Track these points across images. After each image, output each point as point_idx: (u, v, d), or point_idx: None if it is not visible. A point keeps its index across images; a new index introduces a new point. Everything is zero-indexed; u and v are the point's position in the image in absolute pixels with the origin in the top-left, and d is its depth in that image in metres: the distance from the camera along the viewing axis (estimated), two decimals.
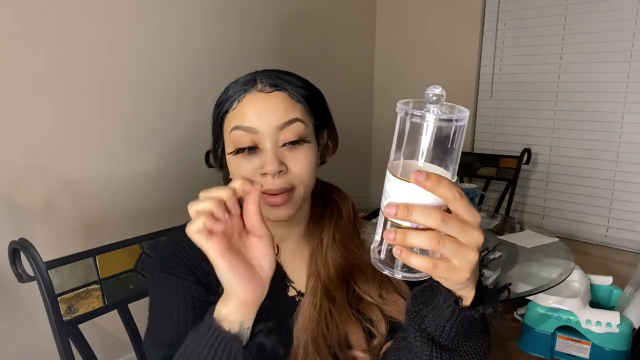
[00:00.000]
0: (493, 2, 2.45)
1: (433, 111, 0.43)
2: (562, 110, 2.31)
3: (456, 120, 0.43)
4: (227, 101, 0.67)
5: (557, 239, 1.70)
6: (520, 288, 1.36)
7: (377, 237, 0.47)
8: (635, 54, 2.07)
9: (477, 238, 0.43)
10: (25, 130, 1.51)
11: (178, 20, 1.87)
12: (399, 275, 0.46)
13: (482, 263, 1.47)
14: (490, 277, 1.35)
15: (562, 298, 1.89)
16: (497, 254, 1.54)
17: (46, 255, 0.86)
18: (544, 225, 2.34)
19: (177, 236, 0.71)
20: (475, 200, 1.88)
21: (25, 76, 1.49)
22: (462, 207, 0.42)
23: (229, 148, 0.67)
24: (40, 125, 1.54)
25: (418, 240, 0.42)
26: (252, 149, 0.64)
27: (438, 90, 0.44)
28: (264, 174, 0.63)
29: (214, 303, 0.53)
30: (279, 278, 0.71)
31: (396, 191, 0.43)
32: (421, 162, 0.44)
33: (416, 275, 0.46)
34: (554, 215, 2.40)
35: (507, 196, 2.29)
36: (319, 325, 0.67)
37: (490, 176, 2.35)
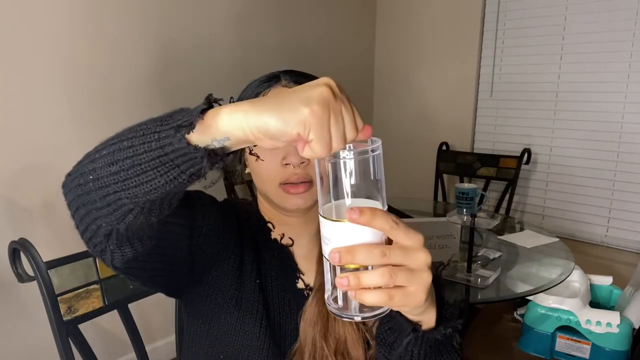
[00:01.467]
0: (493, 2, 2.45)
1: (348, 147, 0.43)
2: (562, 110, 2.31)
3: (372, 151, 0.44)
4: (250, 96, 0.68)
5: (557, 239, 1.70)
6: (520, 288, 1.36)
7: (329, 286, 0.46)
8: (635, 54, 2.07)
9: (424, 259, 0.43)
10: (25, 130, 1.51)
11: (179, 21, 1.87)
12: (358, 317, 0.46)
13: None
14: (490, 277, 1.35)
15: (562, 298, 1.89)
16: (497, 254, 1.54)
17: (46, 255, 0.86)
18: (544, 225, 2.34)
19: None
20: (475, 200, 1.88)
21: (26, 76, 1.49)
22: (401, 234, 0.42)
23: None
24: (40, 125, 1.54)
25: (371, 279, 0.41)
26: None
27: None
28: (286, 165, 0.65)
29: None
30: (290, 268, 0.73)
31: (335, 234, 0.43)
32: (349, 200, 0.44)
33: (376, 312, 0.45)
34: (554, 215, 2.40)
35: (507, 196, 2.29)
36: (325, 324, 0.67)
37: (490, 176, 2.35)
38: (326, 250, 0.44)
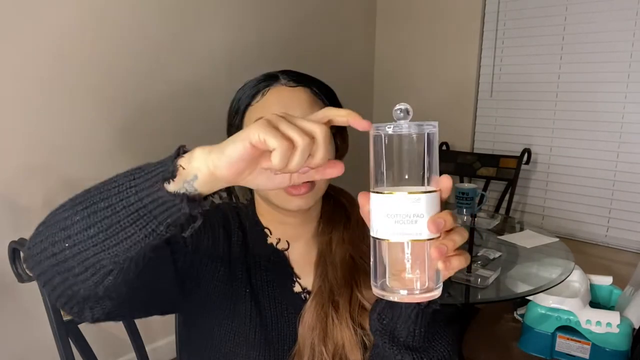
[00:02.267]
0: (493, 2, 2.45)
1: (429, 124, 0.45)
2: (562, 110, 2.31)
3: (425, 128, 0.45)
4: (248, 95, 0.68)
5: (557, 239, 1.70)
6: (520, 288, 1.36)
7: (380, 269, 0.47)
8: (635, 54, 2.07)
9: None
10: (25, 130, 1.51)
11: (179, 23, 1.87)
12: (434, 293, 0.46)
13: (481, 263, 1.47)
14: (490, 277, 1.35)
15: (562, 298, 1.89)
16: (497, 254, 1.54)
17: None
18: (544, 225, 2.34)
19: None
20: (475, 200, 1.88)
21: (26, 76, 1.49)
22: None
23: None
24: (40, 125, 1.54)
25: (460, 239, 0.45)
26: None
27: (404, 105, 0.45)
28: None
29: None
30: (286, 272, 0.72)
31: (429, 205, 0.44)
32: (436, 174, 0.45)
33: (435, 292, 0.46)
34: (554, 215, 2.40)
35: (507, 196, 2.29)
36: (323, 328, 0.67)
37: (490, 176, 2.35)
38: (409, 229, 0.44)
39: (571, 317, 1.87)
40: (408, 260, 0.45)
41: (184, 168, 0.43)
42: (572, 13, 2.22)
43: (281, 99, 0.65)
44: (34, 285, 0.86)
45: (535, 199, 2.45)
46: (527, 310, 2.00)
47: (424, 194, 0.44)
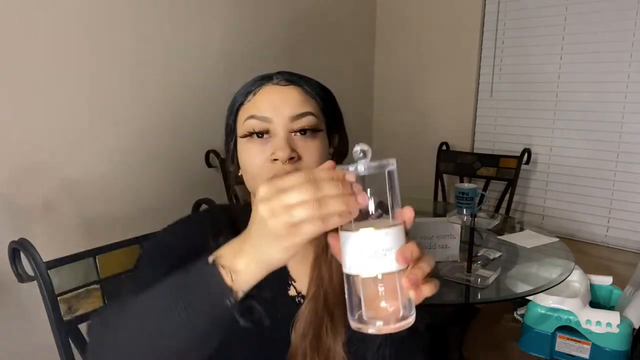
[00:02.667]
0: (493, 2, 2.45)
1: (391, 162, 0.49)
2: (562, 110, 2.31)
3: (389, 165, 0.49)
4: (242, 94, 0.69)
5: (557, 239, 1.70)
6: (520, 288, 1.36)
7: (355, 302, 0.49)
8: (635, 54, 2.07)
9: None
10: (25, 130, 1.51)
11: (177, 22, 1.87)
12: (394, 325, 0.48)
13: (481, 263, 1.47)
14: (490, 277, 1.35)
15: (562, 298, 1.89)
16: (497, 254, 1.54)
17: (46, 255, 0.86)
18: (544, 225, 2.34)
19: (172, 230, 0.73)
20: (475, 200, 1.88)
21: (25, 76, 1.49)
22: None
23: (240, 134, 0.68)
24: (40, 125, 1.54)
25: (428, 267, 0.47)
26: (265, 133, 0.65)
27: (364, 146, 0.48)
28: (275, 160, 0.64)
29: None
30: (282, 275, 0.71)
31: (396, 238, 0.46)
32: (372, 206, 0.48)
33: (409, 320, 0.48)
34: (554, 215, 2.40)
35: (507, 196, 2.29)
36: (317, 335, 0.66)
37: (490, 176, 2.35)
38: (381, 264, 0.46)
39: (571, 317, 1.88)
40: (382, 293, 0.47)
41: (237, 291, 0.48)
42: (572, 13, 2.22)
43: (271, 98, 0.66)
44: (34, 285, 0.86)
45: (535, 199, 2.45)
46: (527, 310, 2.00)
47: (390, 228, 0.46)
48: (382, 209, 0.48)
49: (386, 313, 0.47)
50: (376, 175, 0.47)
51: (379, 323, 0.47)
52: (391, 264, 0.46)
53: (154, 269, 0.64)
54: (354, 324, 0.48)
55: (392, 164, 0.48)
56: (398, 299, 0.47)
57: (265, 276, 0.70)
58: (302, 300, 0.70)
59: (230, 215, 0.74)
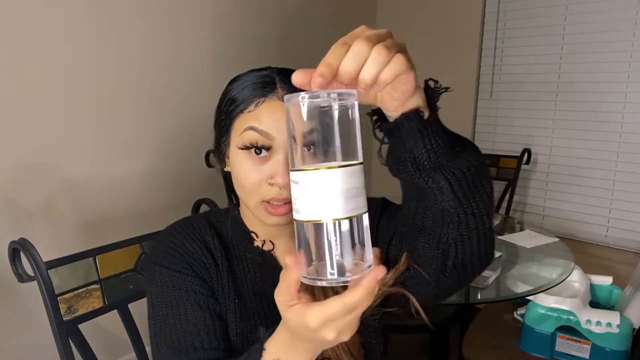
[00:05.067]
0: (493, 2, 2.45)
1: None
2: (562, 110, 2.31)
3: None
4: (243, 102, 0.65)
5: (557, 239, 1.70)
6: (520, 288, 1.36)
7: (311, 253, 0.44)
8: (635, 54, 2.07)
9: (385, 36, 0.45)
10: (25, 130, 1.51)
11: (175, 20, 1.87)
12: (338, 279, 0.43)
13: None
14: (490, 277, 1.35)
15: (562, 298, 1.88)
16: (497, 254, 1.54)
17: (46, 255, 0.86)
18: (544, 225, 2.34)
19: (171, 231, 0.71)
20: None
21: (25, 76, 1.49)
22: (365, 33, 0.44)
23: (238, 144, 0.65)
24: (40, 125, 1.54)
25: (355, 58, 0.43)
26: (265, 150, 0.63)
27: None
28: (272, 184, 0.63)
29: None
30: (273, 271, 0.71)
31: (362, 180, 0.44)
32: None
33: (357, 276, 0.43)
34: (554, 215, 2.40)
35: (507, 196, 2.29)
36: None
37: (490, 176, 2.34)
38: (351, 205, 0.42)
39: (571, 317, 1.87)
40: (347, 238, 0.43)
41: None
42: (572, 13, 2.22)
43: (274, 115, 0.62)
44: (34, 285, 0.86)
45: (535, 199, 2.45)
46: (527, 310, 2.00)
47: (359, 166, 0.44)
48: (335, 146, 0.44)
49: (348, 262, 0.43)
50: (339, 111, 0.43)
51: (341, 275, 0.43)
52: (364, 206, 0.43)
53: (182, 276, 0.66)
54: (306, 279, 0.44)
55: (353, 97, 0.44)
56: (365, 247, 0.43)
57: (256, 276, 0.70)
58: None
59: (210, 222, 0.73)
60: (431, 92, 0.55)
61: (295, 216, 0.45)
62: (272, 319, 0.68)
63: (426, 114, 0.52)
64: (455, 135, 0.56)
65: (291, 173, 0.45)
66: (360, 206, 0.44)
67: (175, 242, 0.69)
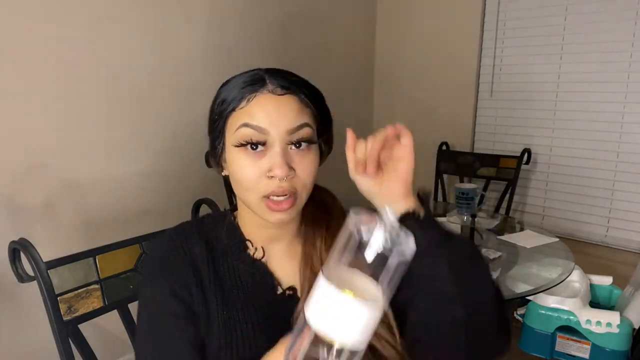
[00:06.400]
0: (493, 2, 2.45)
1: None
2: (562, 110, 2.31)
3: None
4: (234, 99, 0.65)
5: (557, 239, 1.70)
6: (520, 288, 1.36)
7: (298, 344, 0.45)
8: (635, 54, 2.07)
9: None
10: (26, 130, 1.51)
11: (178, 22, 1.87)
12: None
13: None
14: None
15: (562, 298, 1.89)
16: (497, 254, 1.54)
17: (46, 255, 0.86)
18: (544, 225, 2.34)
19: (160, 245, 0.71)
20: (475, 200, 1.88)
21: (26, 76, 1.49)
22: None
23: (233, 142, 0.64)
24: (40, 125, 1.54)
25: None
26: (260, 145, 0.63)
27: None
28: (272, 177, 0.62)
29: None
30: (264, 279, 0.70)
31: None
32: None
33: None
34: (554, 215, 2.40)
35: (507, 196, 2.29)
36: None
37: (490, 176, 2.35)
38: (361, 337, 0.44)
39: (571, 317, 1.87)
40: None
41: None
42: (572, 13, 2.22)
43: (266, 108, 0.62)
44: (34, 285, 0.86)
45: (535, 199, 2.45)
46: (527, 310, 2.00)
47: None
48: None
49: None
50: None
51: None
52: (364, 343, 0.44)
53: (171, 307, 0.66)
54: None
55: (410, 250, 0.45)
56: None
57: (247, 287, 0.70)
58: (291, 293, 0.70)
59: (202, 232, 0.72)
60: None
61: (307, 311, 0.45)
62: (259, 329, 0.67)
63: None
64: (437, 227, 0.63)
65: (325, 272, 0.46)
66: (364, 342, 0.45)
67: (163, 259, 0.69)
